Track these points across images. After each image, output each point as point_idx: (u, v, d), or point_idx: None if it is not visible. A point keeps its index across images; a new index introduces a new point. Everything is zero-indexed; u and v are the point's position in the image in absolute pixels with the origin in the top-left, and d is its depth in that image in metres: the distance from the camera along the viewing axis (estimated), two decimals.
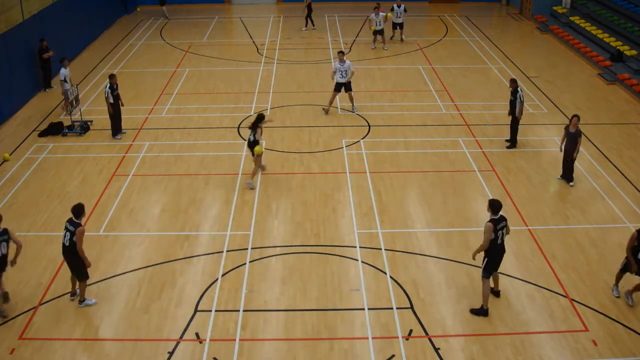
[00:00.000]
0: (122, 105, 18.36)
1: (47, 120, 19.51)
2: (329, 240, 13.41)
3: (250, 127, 15.27)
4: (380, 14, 25.66)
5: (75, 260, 11.08)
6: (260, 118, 15.28)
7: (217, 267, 12.53)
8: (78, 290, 11.52)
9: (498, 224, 10.77)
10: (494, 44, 27.54)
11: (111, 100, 17.74)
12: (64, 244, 11.04)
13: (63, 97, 19.66)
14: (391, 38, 27.80)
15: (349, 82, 19.50)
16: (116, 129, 18.22)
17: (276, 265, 12.64)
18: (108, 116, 18.12)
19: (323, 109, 19.97)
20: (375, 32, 26.07)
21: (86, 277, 11.26)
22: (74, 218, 10.99)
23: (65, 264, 11.47)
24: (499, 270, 11.40)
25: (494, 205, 10.79)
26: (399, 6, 26.69)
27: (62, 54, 24.07)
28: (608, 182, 15.72)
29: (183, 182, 15.81)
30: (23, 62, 21.18)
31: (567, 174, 15.63)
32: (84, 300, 11.40)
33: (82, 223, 11.03)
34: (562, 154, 15.64)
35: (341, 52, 19.69)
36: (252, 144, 15.15)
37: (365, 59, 25.44)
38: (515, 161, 16.78)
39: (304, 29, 29.98)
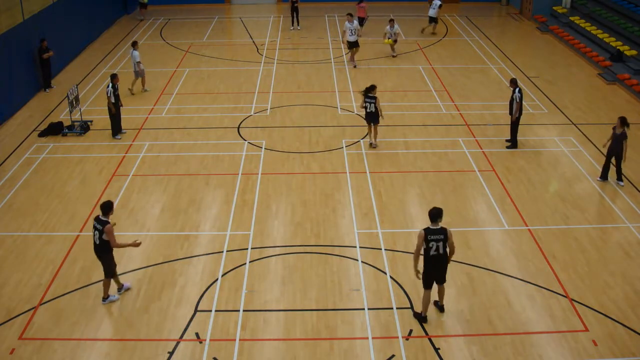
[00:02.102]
0: (121, 105, 18.46)
1: (47, 120, 19.51)
2: (329, 240, 13.41)
3: (367, 97, 16.87)
4: (395, 26, 24.95)
5: (106, 256, 11.23)
6: (372, 87, 16.97)
7: (217, 267, 12.54)
8: (125, 284, 11.77)
9: (432, 234, 10.43)
10: (494, 44, 27.54)
11: (113, 100, 17.80)
12: (94, 242, 11.15)
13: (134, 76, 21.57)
14: (422, 31, 29.29)
15: (355, 41, 23.82)
16: (116, 129, 18.24)
17: (276, 265, 12.64)
18: (109, 116, 18.13)
19: (353, 65, 24.12)
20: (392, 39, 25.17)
21: (111, 274, 11.40)
22: (101, 216, 11.06)
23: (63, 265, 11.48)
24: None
25: (431, 214, 10.50)
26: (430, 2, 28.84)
27: (62, 54, 24.15)
28: (608, 182, 15.72)
29: (183, 182, 15.81)
30: (23, 62, 21.17)
31: (606, 174, 15.57)
32: (107, 297, 11.51)
33: (110, 220, 11.09)
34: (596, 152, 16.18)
35: (350, 14, 24.12)
36: (374, 115, 17.02)
37: (365, 59, 25.43)
38: (515, 161, 16.78)
39: (291, 28, 30.02)
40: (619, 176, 15.50)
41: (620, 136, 15.12)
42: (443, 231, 10.49)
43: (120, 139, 18.13)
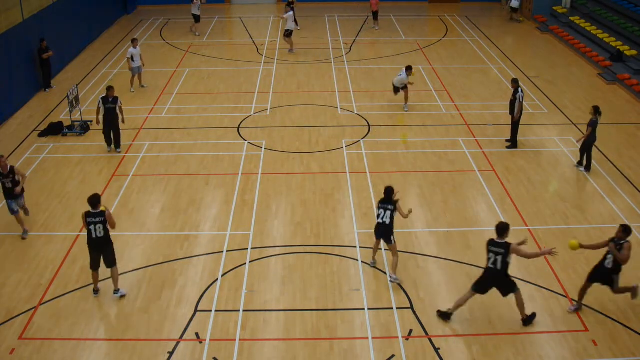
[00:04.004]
0: (123, 122, 17.31)
1: (47, 120, 19.51)
2: (329, 240, 13.40)
3: (381, 203, 11.98)
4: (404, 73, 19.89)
5: (111, 247, 11.49)
6: (391, 190, 11.95)
7: (217, 267, 12.53)
8: (99, 287, 11.89)
9: (493, 246, 10.41)
10: (494, 44, 27.54)
11: (101, 113, 16.93)
12: (97, 237, 11.23)
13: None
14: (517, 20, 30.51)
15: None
16: (108, 141, 17.26)
17: (276, 265, 12.64)
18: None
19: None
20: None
21: (114, 263, 11.65)
22: (92, 209, 11.18)
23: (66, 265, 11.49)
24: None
25: (497, 227, 10.49)
26: None
27: (62, 54, 24.16)
28: (608, 182, 15.73)
29: (183, 182, 15.81)
30: (23, 62, 21.18)
31: (582, 161, 16.26)
32: (119, 290, 11.67)
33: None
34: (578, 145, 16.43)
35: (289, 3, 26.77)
36: (386, 230, 11.92)
37: (365, 59, 25.44)
38: (515, 161, 16.78)
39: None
40: (582, 163, 16.28)
41: (588, 123, 15.84)
42: (505, 246, 10.37)
43: (120, 152, 17.26)
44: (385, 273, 12.26)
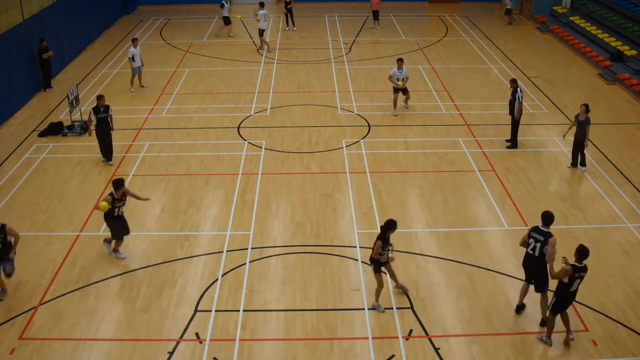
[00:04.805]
0: (112, 129, 16.63)
1: (47, 120, 19.51)
2: (329, 240, 13.40)
3: (384, 243, 11.15)
4: (404, 70, 19.58)
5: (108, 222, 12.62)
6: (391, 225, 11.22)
7: (217, 267, 12.53)
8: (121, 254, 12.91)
9: (535, 232, 10.73)
10: (494, 44, 27.54)
11: (93, 125, 16.39)
12: (120, 215, 12.52)
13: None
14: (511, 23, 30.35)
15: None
16: (104, 152, 16.72)
17: (276, 265, 12.64)
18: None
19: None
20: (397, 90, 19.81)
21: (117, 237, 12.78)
22: (114, 191, 12.32)
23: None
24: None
25: (544, 216, 10.79)
26: None
27: (62, 54, 24.15)
28: (608, 182, 15.73)
29: (183, 182, 15.81)
30: (23, 62, 21.18)
31: (576, 161, 16.17)
32: (117, 251, 12.82)
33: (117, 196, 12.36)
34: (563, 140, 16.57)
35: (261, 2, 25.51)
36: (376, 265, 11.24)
37: (365, 59, 25.44)
38: (515, 161, 16.78)
39: (286, 28, 30.03)
40: (583, 161, 16.18)
41: (584, 122, 15.69)
42: (546, 234, 10.63)
43: (112, 164, 16.63)
44: (385, 273, 12.25)
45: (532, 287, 11.05)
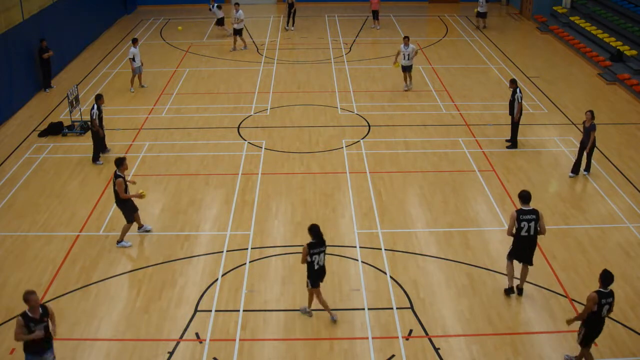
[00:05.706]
0: (100, 130, 16.71)
1: (47, 120, 19.51)
2: (329, 240, 13.33)
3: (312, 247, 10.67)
4: (411, 46, 21.44)
5: (121, 206, 13.05)
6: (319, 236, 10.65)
7: (217, 267, 12.53)
8: (145, 225, 13.49)
9: (524, 215, 10.86)
10: (494, 44, 27.54)
11: (97, 124, 16.38)
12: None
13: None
14: (479, 27, 29.90)
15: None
16: (97, 154, 16.76)
17: (276, 265, 12.64)
18: (92, 139, 16.66)
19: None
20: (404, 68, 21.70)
21: (128, 220, 13.03)
22: (118, 169, 12.82)
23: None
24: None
25: (522, 196, 10.99)
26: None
27: (62, 54, 24.15)
28: (608, 182, 15.73)
29: (183, 182, 15.81)
30: (23, 62, 21.17)
31: (578, 167, 15.94)
32: (121, 241, 13.03)
33: (124, 175, 12.90)
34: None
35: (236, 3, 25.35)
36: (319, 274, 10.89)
37: (365, 59, 25.44)
38: (515, 161, 16.78)
39: (286, 27, 30.03)
40: (587, 166, 16.01)
41: (589, 128, 15.49)
42: (535, 212, 10.87)
43: (102, 164, 16.63)
44: (386, 273, 12.27)
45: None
